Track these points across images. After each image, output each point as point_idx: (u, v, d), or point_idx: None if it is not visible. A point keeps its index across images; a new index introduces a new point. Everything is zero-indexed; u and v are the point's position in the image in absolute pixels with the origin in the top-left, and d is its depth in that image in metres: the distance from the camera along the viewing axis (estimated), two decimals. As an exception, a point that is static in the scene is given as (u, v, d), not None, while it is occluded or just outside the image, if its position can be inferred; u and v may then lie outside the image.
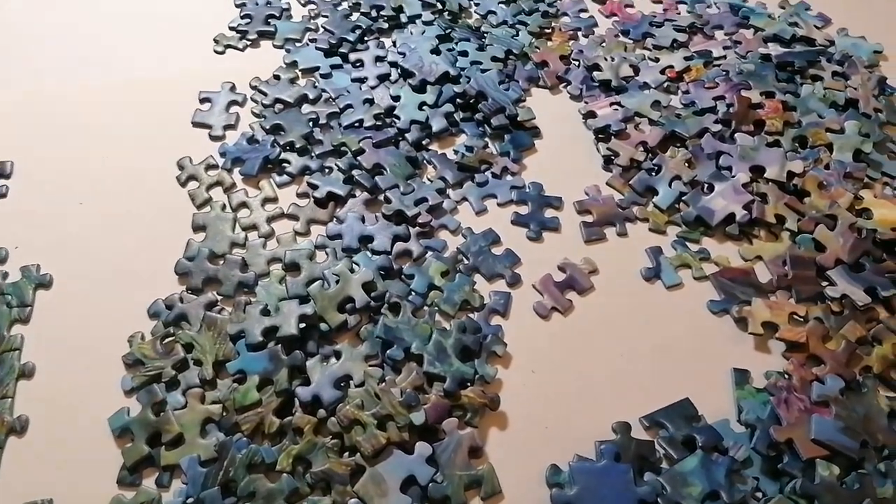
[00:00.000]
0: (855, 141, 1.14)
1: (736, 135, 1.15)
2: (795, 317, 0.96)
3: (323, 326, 0.93)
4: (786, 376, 0.91)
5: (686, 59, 1.29)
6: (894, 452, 0.84)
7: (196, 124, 1.18)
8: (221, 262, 1.01)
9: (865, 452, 0.83)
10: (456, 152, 1.15)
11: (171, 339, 0.93)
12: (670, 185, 1.10)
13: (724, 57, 1.30)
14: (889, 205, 1.07)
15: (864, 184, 1.11)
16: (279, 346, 0.90)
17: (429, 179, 1.12)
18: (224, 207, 1.07)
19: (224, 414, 0.86)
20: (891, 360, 0.92)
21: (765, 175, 1.10)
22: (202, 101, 1.21)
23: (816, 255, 1.02)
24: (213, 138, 1.17)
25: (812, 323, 0.95)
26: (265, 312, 0.93)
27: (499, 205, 1.10)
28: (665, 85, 1.25)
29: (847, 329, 0.94)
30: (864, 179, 1.11)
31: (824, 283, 1.00)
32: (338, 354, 0.91)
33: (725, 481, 0.81)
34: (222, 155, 1.13)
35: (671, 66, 1.27)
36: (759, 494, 0.82)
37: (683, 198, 1.09)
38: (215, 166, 1.13)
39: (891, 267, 1.00)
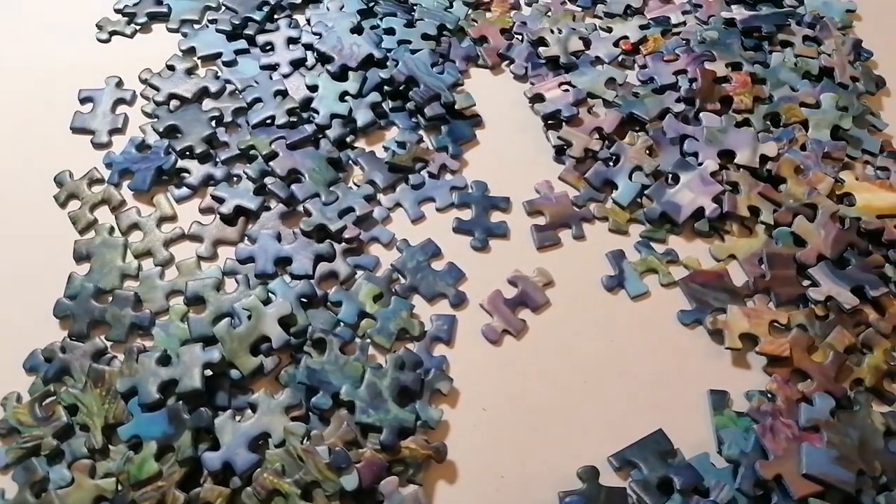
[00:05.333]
0: (832, 116, 1.06)
1: (701, 115, 1.05)
2: (776, 325, 0.88)
3: (234, 373, 0.82)
4: (769, 397, 0.83)
5: (642, 27, 1.18)
6: (892, 479, 0.77)
7: (76, 130, 1.04)
8: (110, 299, 0.88)
9: (862, 483, 0.76)
10: (386, 149, 1.03)
11: (51, 399, 0.80)
12: (630, 178, 1.00)
13: (684, 23, 1.20)
14: (873, 188, 0.99)
15: (843, 164, 1.03)
16: (180, 402, 0.78)
17: (355, 184, 1.00)
18: (112, 231, 0.94)
19: (119, 490, 0.74)
20: (883, 370, 0.85)
21: (735, 160, 1.01)
22: (83, 100, 1.07)
23: (796, 250, 0.94)
24: (97, 146, 1.03)
25: (795, 332, 0.87)
26: (163, 361, 0.81)
27: (438, 210, 0.99)
28: (620, 59, 1.15)
29: (834, 337, 0.87)
30: (844, 159, 1.03)
31: (806, 283, 0.92)
32: (253, 407, 0.80)
33: (709, 532, 0.73)
34: (108, 166, 1.00)
35: (625, 37, 1.17)
36: (747, 540, 0.74)
37: (646, 192, 0.99)
38: (100, 181, 0.99)
39: (878, 261, 0.93)
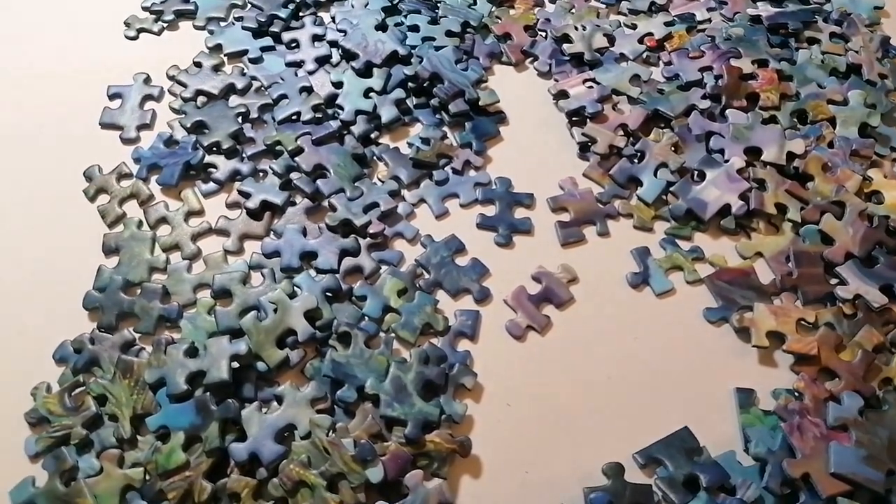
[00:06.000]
0: (860, 113, 1.05)
1: (727, 111, 1.05)
2: (803, 323, 0.87)
3: (260, 366, 0.82)
4: (796, 395, 0.82)
5: (667, 24, 1.18)
6: (923, 480, 0.77)
7: (105, 125, 1.05)
8: (138, 291, 0.89)
9: (892, 483, 0.75)
10: (410, 146, 1.04)
11: (81, 389, 0.81)
12: (656, 174, 1.00)
13: (709, 20, 1.19)
14: (901, 186, 0.98)
15: (871, 162, 1.02)
16: (208, 393, 0.79)
17: (380, 180, 1.00)
18: (140, 225, 0.95)
19: (147, 479, 0.75)
20: (913, 370, 0.84)
21: (762, 158, 1.00)
22: (111, 97, 1.08)
23: (823, 248, 0.93)
24: (126, 141, 1.04)
25: (823, 330, 0.86)
26: (190, 353, 0.81)
27: (462, 206, 0.99)
28: (645, 56, 1.15)
29: (862, 336, 0.86)
30: (872, 157, 1.02)
31: (834, 282, 0.91)
32: (279, 399, 0.80)
33: (735, 530, 0.72)
34: (136, 161, 1.01)
35: (650, 34, 1.16)
36: (774, 539, 0.74)
37: (671, 188, 0.99)
38: (129, 175, 1.00)
39: (907, 259, 0.92)
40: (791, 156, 1.01)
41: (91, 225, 0.95)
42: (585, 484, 0.77)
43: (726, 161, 1.00)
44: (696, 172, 1.00)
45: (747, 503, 0.75)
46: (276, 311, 0.85)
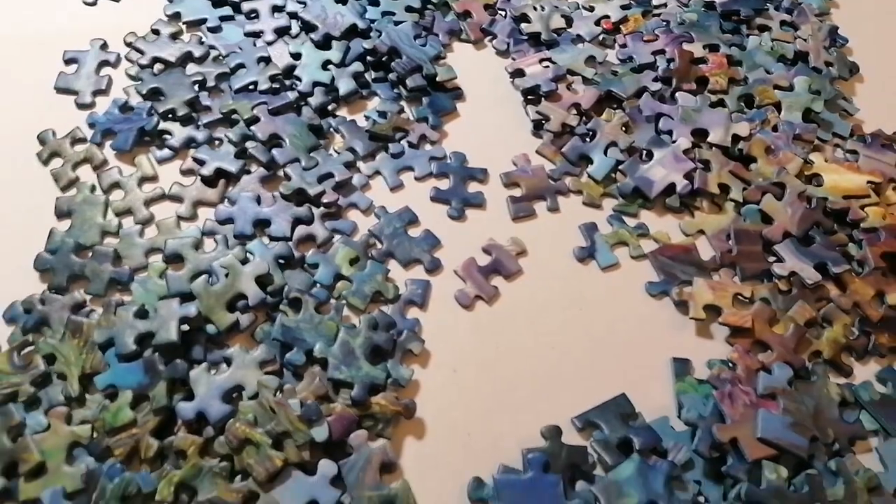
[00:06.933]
0: (805, 99, 1.09)
1: (677, 94, 1.09)
2: (740, 297, 0.92)
3: (210, 329, 0.84)
4: (730, 365, 0.86)
5: (623, 7, 1.21)
6: (844, 446, 0.81)
7: (60, 90, 1.06)
8: (90, 254, 0.90)
9: (815, 449, 0.80)
10: (367, 118, 1.06)
11: (30, 349, 0.83)
12: (606, 153, 1.03)
13: (665, 5, 1.23)
14: (840, 170, 1.02)
15: (813, 146, 1.06)
16: (157, 354, 0.81)
17: (335, 151, 1.02)
18: (93, 189, 0.96)
19: (94, 436, 0.77)
20: (842, 344, 0.89)
21: (708, 139, 1.04)
22: (67, 61, 1.08)
23: (763, 227, 0.97)
24: (81, 106, 1.04)
25: (758, 305, 0.91)
26: (140, 314, 0.83)
27: (416, 179, 1.02)
28: (600, 38, 1.18)
29: (795, 311, 0.90)
30: (814, 141, 1.06)
31: (771, 259, 0.95)
32: (228, 361, 0.82)
33: (664, 490, 0.76)
34: (91, 126, 1.02)
35: (607, 17, 1.19)
36: (702, 500, 0.78)
37: (620, 167, 1.02)
38: (83, 140, 1.01)
39: (842, 240, 0.97)
40: (736, 138, 1.05)
41: (44, 188, 0.96)
42: (525, 446, 0.80)
43: (674, 142, 1.04)
44: (644, 152, 1.03)
45: (677, 465, 0.79)
46: (227, 275, 0.87)
